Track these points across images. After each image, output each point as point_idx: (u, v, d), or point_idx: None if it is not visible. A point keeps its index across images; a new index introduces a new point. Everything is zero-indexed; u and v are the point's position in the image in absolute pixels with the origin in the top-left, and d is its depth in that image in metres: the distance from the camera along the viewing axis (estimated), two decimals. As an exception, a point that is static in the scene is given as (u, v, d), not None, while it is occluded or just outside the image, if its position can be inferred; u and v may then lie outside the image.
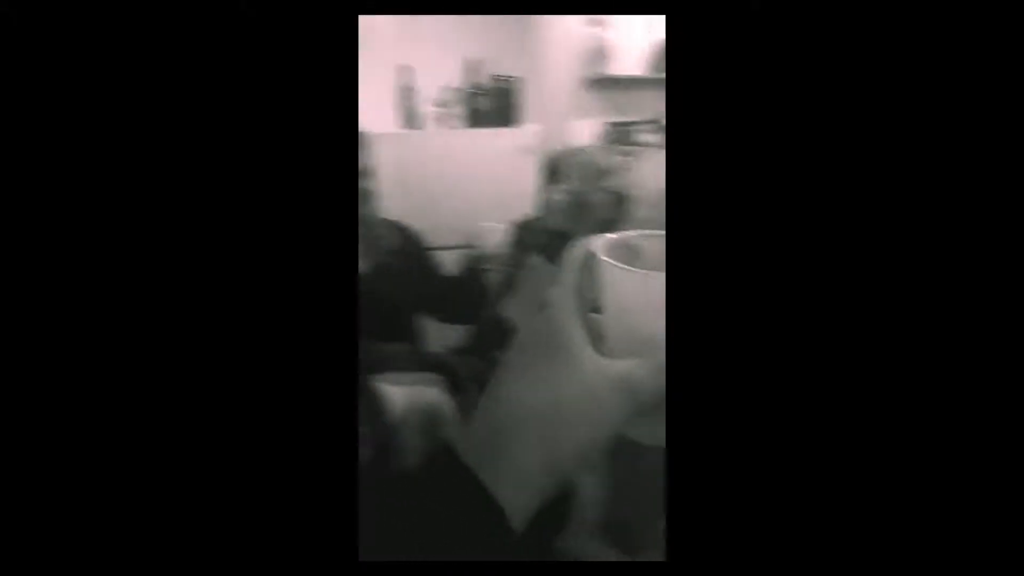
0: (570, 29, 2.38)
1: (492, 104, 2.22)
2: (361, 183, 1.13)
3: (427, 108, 2.32)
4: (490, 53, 2.33)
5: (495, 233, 1.22)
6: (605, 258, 0.27)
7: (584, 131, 2.48)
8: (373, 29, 2.40)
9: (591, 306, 0.28)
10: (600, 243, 0.29)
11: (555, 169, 1.22)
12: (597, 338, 0.27)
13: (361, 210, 1.15)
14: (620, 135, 2.46)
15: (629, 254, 0.29)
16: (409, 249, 1.23)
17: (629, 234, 0.30)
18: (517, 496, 0.25)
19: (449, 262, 1.28)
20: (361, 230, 1.18)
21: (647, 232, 0.30)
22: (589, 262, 0.28)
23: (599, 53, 2.36)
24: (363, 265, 1.19)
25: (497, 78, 2.23)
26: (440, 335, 1.23)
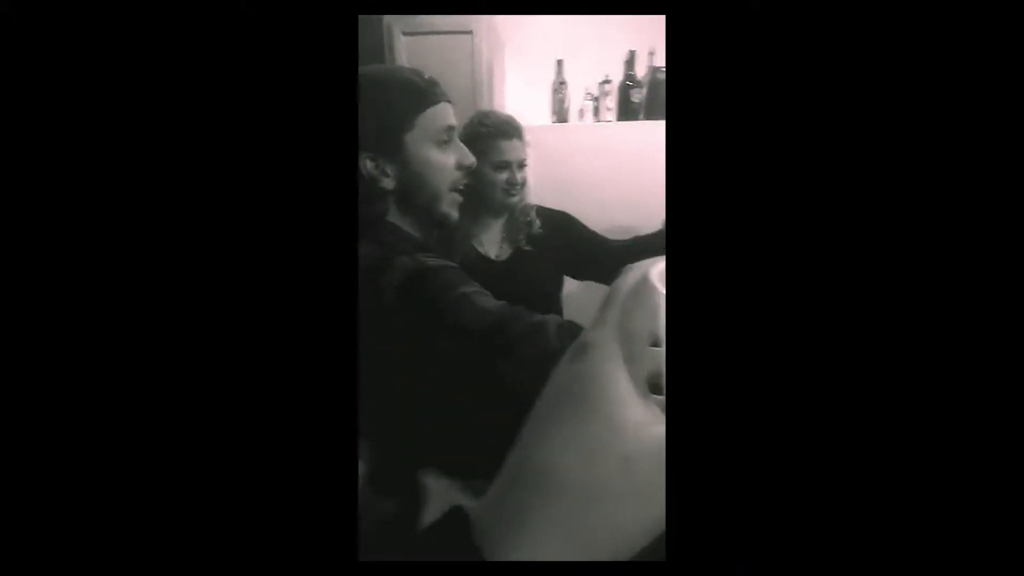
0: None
1: (647, 96, 2.11)
2: (512, 174, 1.15)
3: (580, 101, 2.28)
4: (650, 47, 2.18)
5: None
6: (662, 288, 0.22)
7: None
8: (523, 27, 2.42)
9: (650, 340, 0.23)
10: (656, 269, 0.23)
11: None
12: (652, 386, 0.22)
13: (509, 199, 1.19)
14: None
15: None
16: (553, 234, 1.25)
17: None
18: None
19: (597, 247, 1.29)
20: (504, 218, 1.22)
21: None
22: (641, 294, 0.23)
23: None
24: (502, 251, 1.22)
25: (656, 70, 2.11)
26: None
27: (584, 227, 1.31)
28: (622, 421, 0.20)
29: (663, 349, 0.23)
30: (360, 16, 0.32)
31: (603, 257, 1.24)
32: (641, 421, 0.20)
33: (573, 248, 1.27)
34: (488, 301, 0.69)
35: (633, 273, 0.23)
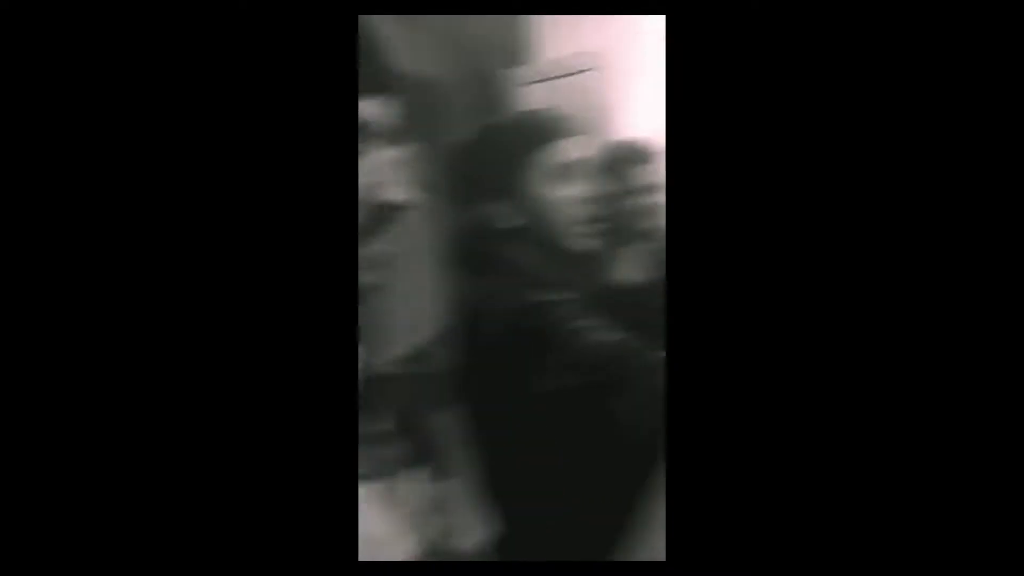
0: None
1: None
2: (648, 199, 1.14)
3: None
4: None
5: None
6: None
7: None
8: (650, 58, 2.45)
9: None
10: None
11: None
12: None
13: (647, 224, 1.15)
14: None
15: None
16: None
17: None
18: None
19: None
20: (644, 243, 1.19)
21: None
22: None
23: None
24: (641, 277, 1.18)
25: None
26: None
27: None
28: None
29: None
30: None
31: None
32: None
33: None
34: (608, 335, 0.67)
35: None
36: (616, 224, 1.16)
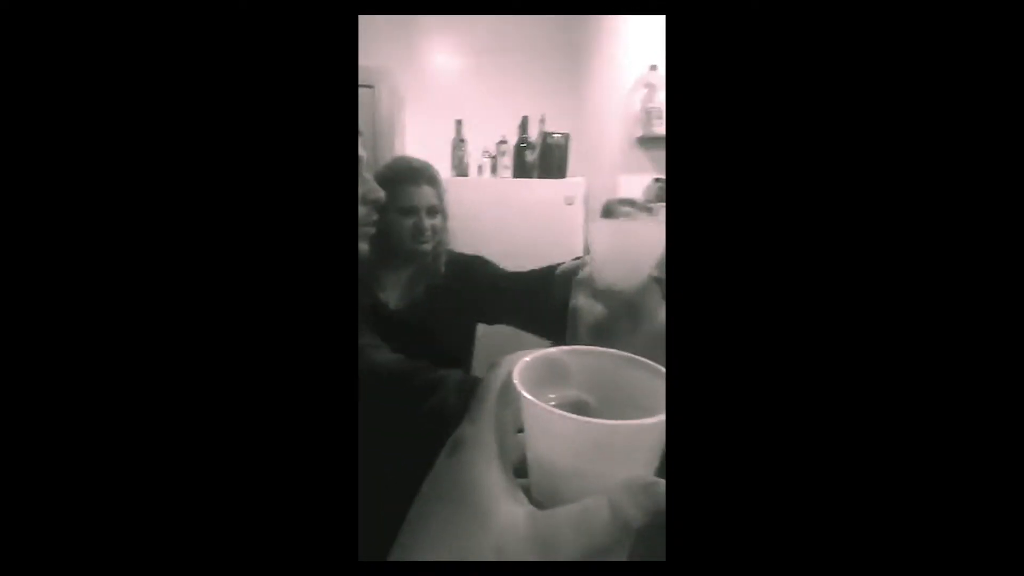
0: (621, 91, 2.41)
1: (539, 157, 2.37)
2: (420, 221, 1.13)
3: (478, 159, 2.52)
4: (543, 110, 2.47)
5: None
6: (526, 393, 0.22)
7: (631, 185, 2.44)
8: (424, 86, 2.73)
9: (517, 429, 0.24)
10: (519, 366, 0.23)
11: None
12: (517, 470, 0.23)
13: (419, 246, 1.14)
14: (661, 191, 2.45)
15: (554, 376, 0.25)
16: (464, 279, 1.20)
17: (551, 351, 0.25)
18: None
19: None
20: (413, 266, 1.17)
21: (578, 348, 0.25)
22: (508, 389, 0.23)
23: (649, 114, 2.32)
24: (403, 299, 1.16)
25: (546, 134, 2.32)
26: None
27: (497, 268, 1.22)
28: (494, 515, 0.21)
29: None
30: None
31: (518, 296, 1.11)
32: (510, 512, 0.21)
33: (484, 291, 1.18)
34: (381, 355, 0.66)
35: (502, 368, 0.24)
36: (387, 238, 1.13)
